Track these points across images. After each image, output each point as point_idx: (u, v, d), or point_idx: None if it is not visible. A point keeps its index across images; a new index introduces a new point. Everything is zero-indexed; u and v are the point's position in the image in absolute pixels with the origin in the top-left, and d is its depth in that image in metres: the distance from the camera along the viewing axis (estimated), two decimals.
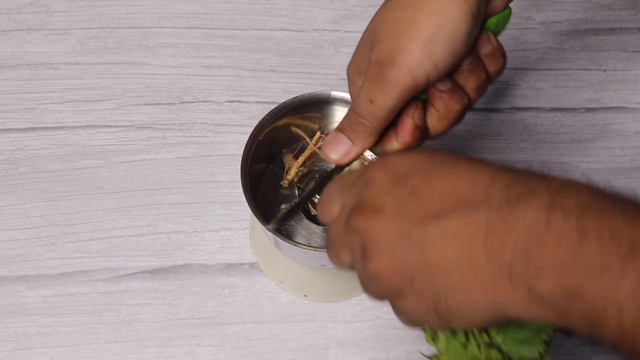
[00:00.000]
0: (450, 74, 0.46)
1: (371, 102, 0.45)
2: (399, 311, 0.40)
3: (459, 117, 0.48)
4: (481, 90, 0.48)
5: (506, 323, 0.40)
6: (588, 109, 0.74)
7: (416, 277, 0.37)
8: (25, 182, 0.69)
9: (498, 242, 0.34)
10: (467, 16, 0.43)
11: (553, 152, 0.72)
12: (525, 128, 0.73)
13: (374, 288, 0.40)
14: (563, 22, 0.78)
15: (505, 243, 0.34)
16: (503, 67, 0.48)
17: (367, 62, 0.46)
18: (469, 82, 0.47)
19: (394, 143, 0.48)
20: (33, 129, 0.71)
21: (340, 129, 0.48)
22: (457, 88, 0.47)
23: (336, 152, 0.48)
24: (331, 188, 0.45)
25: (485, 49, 0.47)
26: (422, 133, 0.48)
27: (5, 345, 0.63)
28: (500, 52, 0.48)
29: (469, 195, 0.36)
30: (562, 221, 0.33)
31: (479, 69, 0.47)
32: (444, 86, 0.46)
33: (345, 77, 0.50)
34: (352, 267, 0.42)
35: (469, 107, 0.49)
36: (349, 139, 0.47)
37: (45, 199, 0.68)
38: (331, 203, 0.44)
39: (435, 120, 0.48)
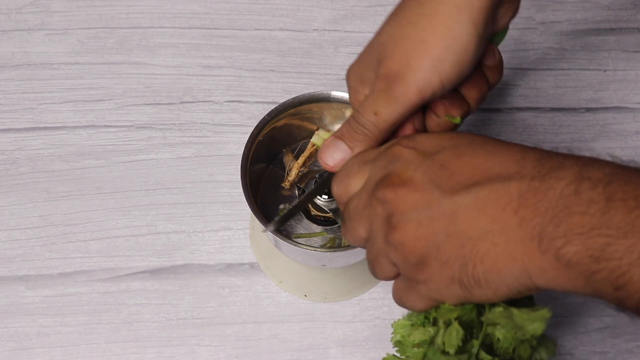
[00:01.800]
0: None
1: (375, 114, 0.45)
2: (416, 284, 0.41)
3: (458, 124, 0.49)
4: (482, 100, 0.49)
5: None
6: (588, 109, 0.74)
7: (443, 245, 0.39)
8: (25, 182, 0.69)
9: (529, 211, 0.36)
10: (474, 39, 0.44)
11: None
12: (525, 128, 0.73)
13: (394, 259, 0.41)
14: (563, 22, 0.78)
15: (536, 211, 0.36)
16: (500, 78, 0.50)
17: (372, 73, 0.46)
18: (472, 92, 0.48)
19: None
20: (33, 129, 0.71)
21: (339, 136, 0.48)
22: (459, 96, 0.48)
23: (333, 158, 0.48)
24: (350, 164, 0.46)
25: (489, 61, 0.48)
26: None
27: (5, 345, 0.63)
28: (500, 65, 0.49)
29: (500, 169, 0.38)
30: (590, 190, 0.35)
31: (481, 80, 0.48)
32: (446, 96, 0.47)
33: (345, 77, 0.50)
34: (365, 242, 0.44)
35: (467, 114, 0.49)
36: (348, 146, 0.47)
37: (45, 199, 0.68)
38: (349, 178, 0.45)
39: (434, 126, 0.49)
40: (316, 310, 0.65)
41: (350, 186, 0.45)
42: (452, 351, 0.40)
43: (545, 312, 0.39)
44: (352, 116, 0.47)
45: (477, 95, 0.48)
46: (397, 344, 0.44)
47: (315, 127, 0.64)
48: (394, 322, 0.45)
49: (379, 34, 0.47)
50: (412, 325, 0.44)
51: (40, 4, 0.77)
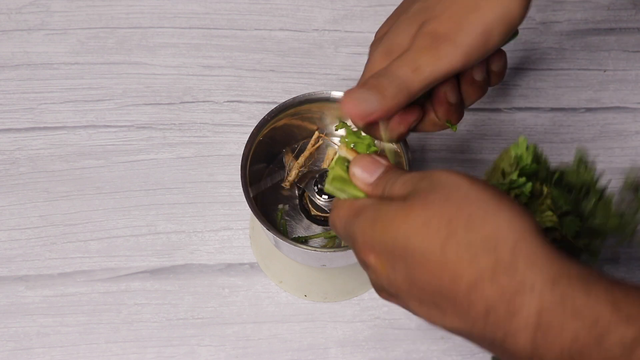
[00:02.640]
0: None
1: (416, 69, 0.43)
2: None
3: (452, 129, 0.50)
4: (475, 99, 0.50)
5: None
6: (588, 109, 0.74)
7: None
8: (25, 182, 0.69)
9: None
10: (523, 13, 0.44)
11: (553, 152, 0.72)
12: (525, 128, 0.73)
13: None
14: (563, 22, 0.78)
15: None
16: (498, 83, 0.49)
17: (407, 38, 0.44)
18: (472, 95, 0.49)
19: (393, 126, 0.47)
20: (33, 129, 0.71)
21: (367, 86, 0.44)
22: (461, 103, 0.48)
23: (358, 109, 0.43)
24: (334, 220, 0.43)
25: (495, 66, 0.49)
26: (410, 129, 0.48)
27: (5, 345, 0.63)
28: (504, 70, 0.49)
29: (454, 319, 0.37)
30: None
31: (485, 84, 0.48)
32: (451, 101, 0.47)
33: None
34: None
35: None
36: (375, 98, 0.43)
37: (45, 199, 0.68)
38: (336, 229, 0.43)
39: (429, 125, 0.49)
40: (316, 310, 0.65)
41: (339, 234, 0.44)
42: None
43: None
44: (381, 71, 0.44)
45: (475, 98, 0.48)
46: None
47: (315, 127, 0.64)
48: None
49: (425, 0, 0.44)
50: None
51: (40, 4, 0.77)
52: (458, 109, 0.48)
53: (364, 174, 0.41)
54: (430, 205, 0.37)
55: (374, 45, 0.48)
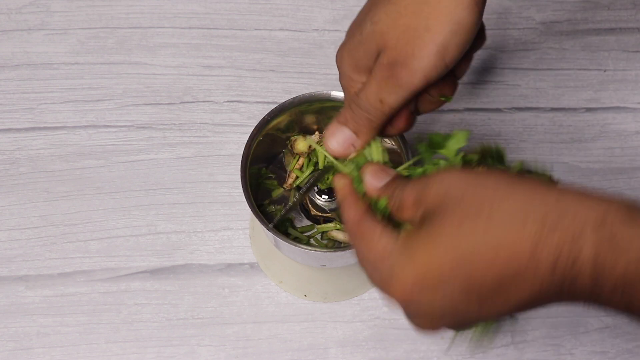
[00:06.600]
0: None
1: (381, 101, 0.46)
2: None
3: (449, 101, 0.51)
4: (465, 70, 0.50)
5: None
6: (588, 109, 0.74)
7: None
8: (25, 182, 0.69)
9: None
10: (476, 18, 0.44)
11: (553, 152, 0.72)
12: (525, 128, 0.73)
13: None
14: (563, 22, 0.78)
15: None
16: (484, 43, 0.50)
17: (369, 61, 0.47)
18: (462, 67, 0.49)
19: (389, 129, 0.50)
20: (33, 129, 0.71)
21: (343, 122, 0.49)
22: (451, 76, 0.49)
23: (340, 145, 0.49)
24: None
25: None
26: (414, 117, 0.50)
27: (5, 345, 0.63)
28: (484, 30, 0.49)
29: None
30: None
31: (470, 52, 0.48)
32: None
33: (336, 61, 0.51)
34: None
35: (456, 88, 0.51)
36: (354, 132, 0.48)
37: (45, 199, 0.68)
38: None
39: (427, 104, 0.49)
40: (316, 310, 0.65)
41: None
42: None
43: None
44: (353, 102, 0.48)
45: (466, 68, 0.49)
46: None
47: (315, 127, 0.64)
48: None
49: (374, 22, 0.46)
50: None
51: (40, 4, 0.77)
52: (449, 83, 0.49)
53: (373, 181, 0.46)
54: (450, 224, 0.39)
55: (344, 60, 0.50)
